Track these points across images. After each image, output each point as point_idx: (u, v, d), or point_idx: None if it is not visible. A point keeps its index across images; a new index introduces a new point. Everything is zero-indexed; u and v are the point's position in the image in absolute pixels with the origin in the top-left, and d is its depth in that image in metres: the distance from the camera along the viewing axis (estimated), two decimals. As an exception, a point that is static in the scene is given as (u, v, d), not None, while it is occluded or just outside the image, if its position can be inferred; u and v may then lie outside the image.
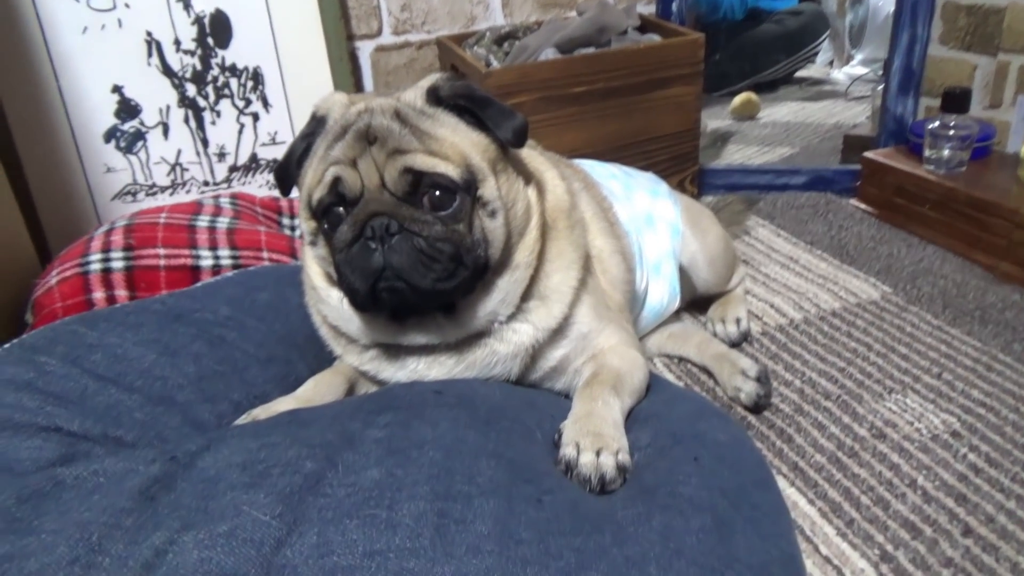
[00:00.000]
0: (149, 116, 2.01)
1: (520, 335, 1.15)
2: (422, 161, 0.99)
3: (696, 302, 1.84)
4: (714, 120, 3.41)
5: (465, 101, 1.05)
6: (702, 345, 1.63)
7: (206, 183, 2.11)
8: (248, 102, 2.11)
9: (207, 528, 0.76)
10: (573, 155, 1.98)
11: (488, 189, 1.05)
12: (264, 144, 2.15)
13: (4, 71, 1.83)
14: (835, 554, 1.16)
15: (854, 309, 1.79)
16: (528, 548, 0.75)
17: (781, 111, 3.59)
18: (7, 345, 1.08)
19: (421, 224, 1.00)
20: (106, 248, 1.49)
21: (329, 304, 1.14)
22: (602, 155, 2.04)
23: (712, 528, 0.85)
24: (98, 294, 1.41)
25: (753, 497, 0.96)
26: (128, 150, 2.01)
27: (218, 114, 2.08)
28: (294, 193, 1.13)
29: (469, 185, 1.03)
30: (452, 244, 1.01)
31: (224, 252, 1.56)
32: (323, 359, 1.27)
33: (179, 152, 2.06)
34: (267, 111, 2.13)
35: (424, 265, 1.00)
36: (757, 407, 1.47)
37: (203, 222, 1.63)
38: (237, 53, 2.06)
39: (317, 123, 1.07)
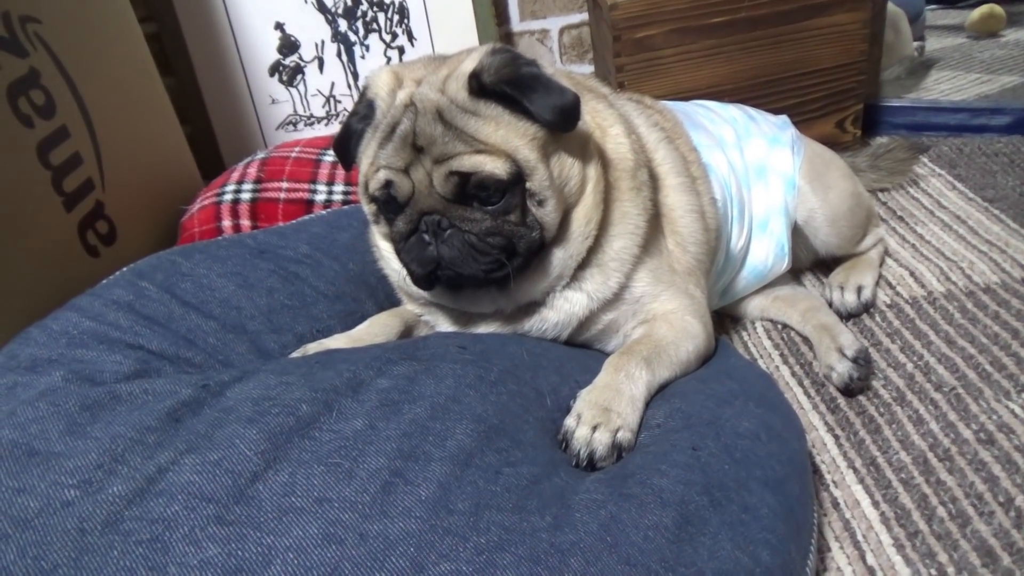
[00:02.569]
0: (306, 51, 2.17)
1: (572, 304, 1.15)
2: (467, 163, 1.00)
3: (825, 263, 1.67)
4: (942, 38, 2.96)
5: (508, 88, 1.01)
6: (808, 313, 1.49)
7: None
8: (395, 36, 2.19)
9: (204, 454, 0.87)
10: (710, 93, 1.85)
11: (536, 181, 1.03)
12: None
13: (186, 13, 2.07)
14: (883, 566, 1.06)
15: (1014, 285, 1.52)
16: (457, 519, 0.78)
17: (1035, 26, 3.02)
18: (124, 269, 1.27)
19: (470, 222, 1.03)
20: (241, 180, 1.67)
21: (392, 268, 1.21)
22: (744, 92, 1.89)
23: (671, 527, 0.81)
24: (226, 222, 1.60)
25: (750, 498, 0.90)
26: (289, 83, 2.20)
27: (367, 48, 2.19)
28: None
29: (517, 179, 1.02)
30: (503, 236, 1.04)
31: (338, 188, 1.68)
32: (392, 299, 1.35)
33: (332, 85, 2.22)
34: (412, 45, 2.20)
35: (474, 259, 1.04)
36: (848, 390, 1.33)
37: (329, 156, 1.76)
38: (384, -13, 2.13)
39: (367, 107, 1.09)
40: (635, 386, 1.05)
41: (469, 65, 1.04)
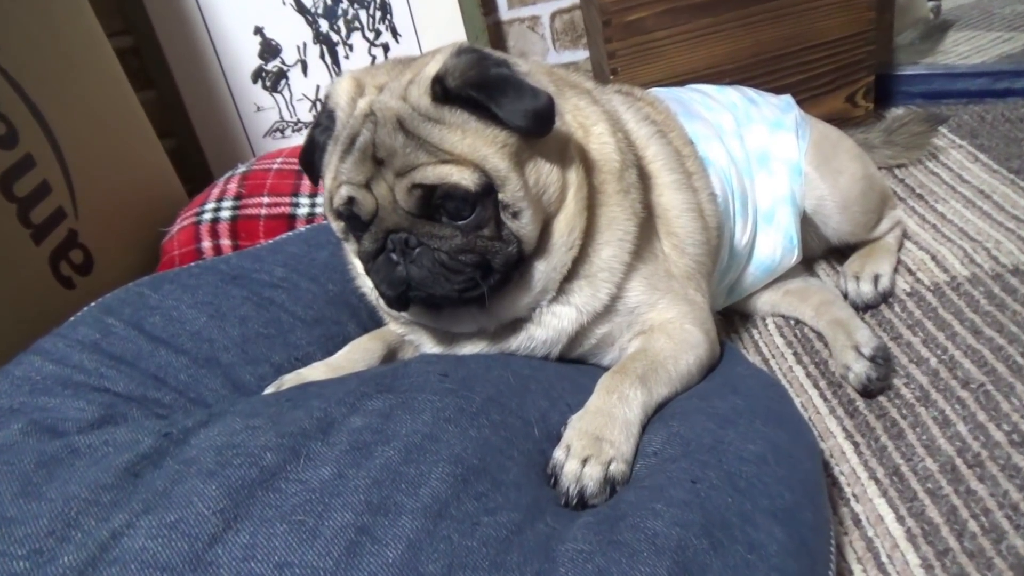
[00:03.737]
0: (289, 55, 2.10)
1: (561, 319, 1.07)
2: (432, 175, 0.93)
3: (839, 250, 1.57)
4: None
5: (474, 92, 0.93)
6: (821, 307, 1.40)
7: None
8: (378, 33, 2.11)
9: (160, 515, 0.80)
10: (709, 75, 1.76)
11: (508, 192, 0.96)
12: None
13: (162, 23, 2.00)
14: (911, 589, 0.97)
15: (1046, 266, 1.41)
16: (427, 583, 0.71)
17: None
18: (91, 305, 1.21)
19: (440, 239, 0.96)
20: (221, 197, 1.61)
21: (367, 287, 1.15)
22: (745, 71, 1.79)
23: (665, 578, 0.73)
24: (206, 243, 1.54)
25: (756, 533, 0.81)
26: (273, 89, 2.13)
27: (351, 48, 2.11)
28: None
29: (488, 190, 0.95)
30: (476, 253, 0.96)
31: (321, 200, 1.61)
32: (375, 318, 1.28)
33: (318, 88, 2.14)
34: (397, 41, 2.12)
35: (446, 278, 0.97)
36: (867, 392, 1.24)
37: (313, 166, 1.69)
38: (363, -17, 2.05)
39: (328, 117, 1.02)
40: (629, 409, 0.97)
41: (432, 68, 0.96)
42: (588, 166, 1.07)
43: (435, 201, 0.94)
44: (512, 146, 0.96)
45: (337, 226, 1.07)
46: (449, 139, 0.93)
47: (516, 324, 1.08)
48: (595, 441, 0.92)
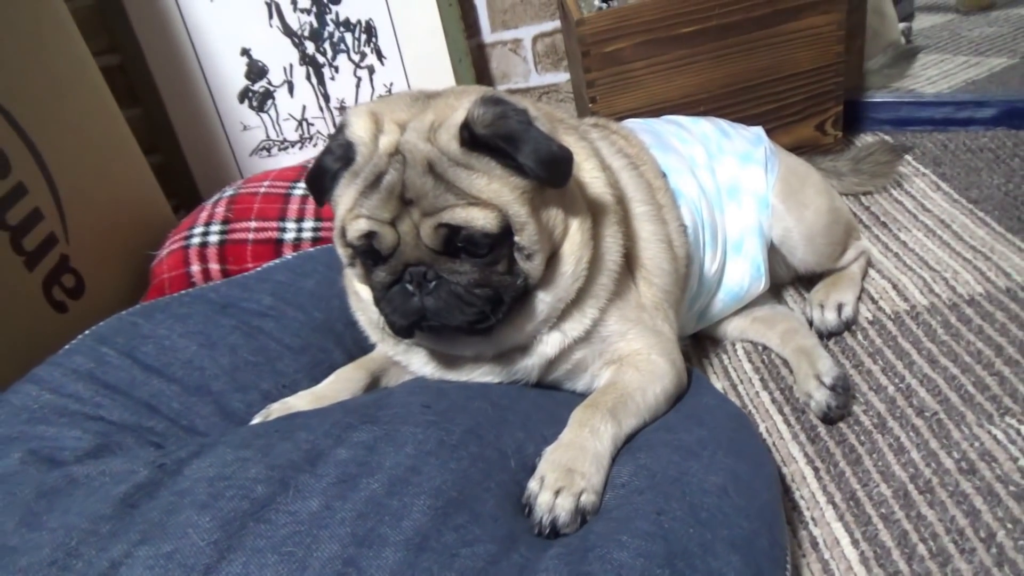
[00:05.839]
0: (275, 75, 2.14)
1: (546, 346, 1.14)
2: (459, 216, 0.99)
3: (808, 277, 1.63)
4: (931, 15, 2.90)
5: (501, 142, 0.99)
6: (787, 335, 1.46)
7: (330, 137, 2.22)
8: (363, 55, 2.15)
9: (156, 546, 0.85)
10: (684, 104, 1.82)
11: (525, 236, 1.02)
12: (382, 96, 2.20)
13: (149, 42, 2.03)
14: (862, 610, 1.04)
15: (998, 296, 1.49)
16: (409, 614, 0.77)
17: (1028, 1, 2.96)
18: (86, 333, 1.25)
19: (458, 274, 1.02)
20: (209, 221, 1.65)
21: (369, 311, 1.18)
22: (719, 101, 1.85)
23: (628, 608, 0.79)
24: (195, 267, 1.58)
25: (715, 562, 0.87)
26: (260, 108, 2.17)
27: (336, 69, 2.15)
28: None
29: (507, 233, 1.01)
30: (490, 287, 1.03)
31: (308, 224, 1.65)
32: (361, 345, 1.33)
33: (304, 108, 2.18)
34: (382, 63, 2.16)
35: (460, 310, 1.03)
36: (827, 419, 1.31)
37: (299, 190, 1.73)
38: (349, 7, 2.09)
39: (344, 147, 1.05)
40: (600, 442, 1.03)
41: (460, 115, 1.01)
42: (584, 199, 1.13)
43: (458, 241, 1.00)
44: (530, 193, 1.02)
45: (344, 252, 1.10)
46: (476, 184, 0.99)
47: (506, 352, 1.14)
48: (567, 473, 0.98)
